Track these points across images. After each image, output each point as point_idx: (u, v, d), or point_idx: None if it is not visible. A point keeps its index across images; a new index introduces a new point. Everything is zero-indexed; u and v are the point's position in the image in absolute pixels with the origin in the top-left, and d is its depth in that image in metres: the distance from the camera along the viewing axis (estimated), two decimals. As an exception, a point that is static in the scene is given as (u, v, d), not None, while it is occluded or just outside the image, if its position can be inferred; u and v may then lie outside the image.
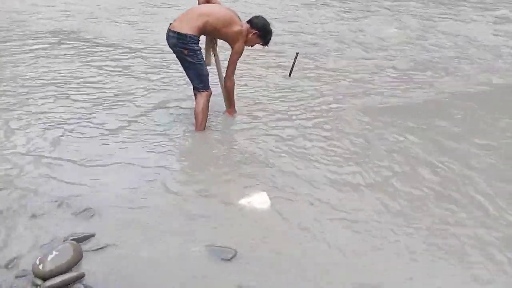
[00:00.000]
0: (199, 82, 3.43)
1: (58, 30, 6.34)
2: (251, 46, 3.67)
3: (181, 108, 3.92)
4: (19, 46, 5.53)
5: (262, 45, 3.68)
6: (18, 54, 5.21)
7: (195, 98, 3.57)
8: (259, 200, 2.59)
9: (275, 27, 4.07)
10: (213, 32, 3.43)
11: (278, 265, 2.13)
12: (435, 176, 2.94)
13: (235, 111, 3.79)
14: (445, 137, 3.49)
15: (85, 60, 5.12)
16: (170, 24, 3.39)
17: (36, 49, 5.42)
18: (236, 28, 3.41)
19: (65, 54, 5.27)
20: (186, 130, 3.52)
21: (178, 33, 3.27)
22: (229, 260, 2.14)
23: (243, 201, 2.58)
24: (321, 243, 2.29)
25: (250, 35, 3.51)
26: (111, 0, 8.08)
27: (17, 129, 3.40)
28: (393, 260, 2.19)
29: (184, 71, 3.50)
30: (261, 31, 3.54)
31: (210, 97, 3.50)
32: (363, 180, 2.88)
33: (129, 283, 1.99)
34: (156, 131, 3.49)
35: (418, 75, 5.11)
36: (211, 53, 3.71)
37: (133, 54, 5.41)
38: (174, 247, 2.22)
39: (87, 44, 5.75)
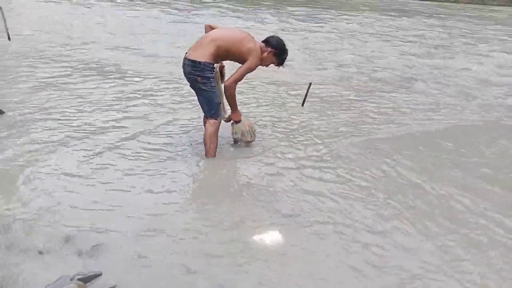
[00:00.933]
0: (210, 109, 3.43)
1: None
2: (266, 66, 3.60)
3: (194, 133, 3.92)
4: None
5: (276, 65, 3.59)
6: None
7: (204, 125, 3.58)
8: (271, 238, 2.50)
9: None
10: (227, 55, 3.38)
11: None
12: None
13: (239, 116, 3.63)
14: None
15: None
16: (186, 53, 3.42)
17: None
18: (250, 44, 3.37)
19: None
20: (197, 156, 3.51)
21: (193, 61, 3.29)
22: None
23: (255, 238, 2.50)
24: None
25: (265, 54, 3.44)
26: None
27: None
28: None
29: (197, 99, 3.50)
30: (276, 49, 3.47)
31: (219, 125, 3.50)
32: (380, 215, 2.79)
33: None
34: (165, 157, 3.49)
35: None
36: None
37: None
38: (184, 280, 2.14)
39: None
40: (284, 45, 3.53)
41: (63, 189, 2.98)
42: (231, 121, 3.69)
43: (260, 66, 3.50)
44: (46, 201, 2.83)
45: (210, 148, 3.48)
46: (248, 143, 3.76)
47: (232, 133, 3.71)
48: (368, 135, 4.24)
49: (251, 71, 3.40)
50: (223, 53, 3.36)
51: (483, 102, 5.56)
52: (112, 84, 5.44)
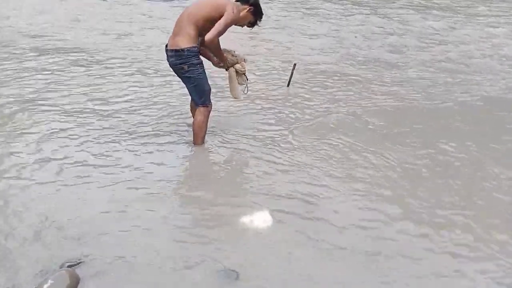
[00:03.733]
0: (199, 97, 3.34)
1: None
2: (242, 26, 3.42)
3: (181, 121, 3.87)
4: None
5: (250, 25, 3.40)
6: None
7: (192, 112, 3.53)
8: (261, 219, 2.51)
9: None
10: (208, 25, 3.13)
11: (282, 285, 2.05)
12: None
13: (227, 62, 3.46)
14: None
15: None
16: (166, 44, 3.29)
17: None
18: (225, 3, 3.17)
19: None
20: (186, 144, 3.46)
21: (175, 50, 3.17)
22: (232, 282, 2.06)
23: (245, 220, 2.51)
24: (324, 261, 2.22)
25: (243, 12, 3.26)
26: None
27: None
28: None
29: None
30: (253, 5, 3.31)
31: (209, 113, 3.42)
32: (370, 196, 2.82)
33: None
34: (154, 143, 3.44)
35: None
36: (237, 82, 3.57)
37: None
38: (174, 270, 2.14)
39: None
40: (259, 3, 3.38)
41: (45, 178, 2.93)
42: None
43: (237, 28, 3.34)
44: (33, 191, 2.79)
45: (199, 136, 3.41)
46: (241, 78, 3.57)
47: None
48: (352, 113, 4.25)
49: (229, 23, 3.14)
50: (205, 24, 3.15)
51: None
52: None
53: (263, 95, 4.70)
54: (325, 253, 2.29)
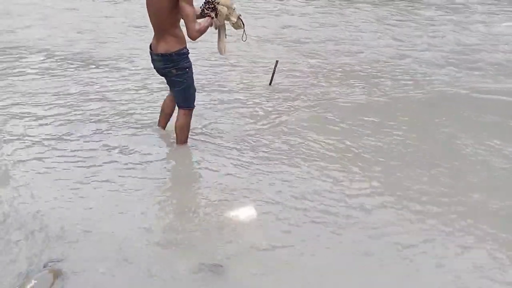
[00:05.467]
0: (184, 100, 3.26)
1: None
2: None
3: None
4: None
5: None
6: None
7: (165, 109, 3.51)
8: (245, 214, 2.54)
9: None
10: (178, 13, 2.91)
11: (266, 280, 2.08)
12: None
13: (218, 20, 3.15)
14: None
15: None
16: (150, 46, 3.15)
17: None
18: None
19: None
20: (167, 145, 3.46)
21: (163, 55, 3.03)
22: (216, 276, 2.08)
23: (230, 215, 2.53)
24: (307, 257, 2.25)
25: None
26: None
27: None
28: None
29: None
30: None
31: (192, 112, 3.36)
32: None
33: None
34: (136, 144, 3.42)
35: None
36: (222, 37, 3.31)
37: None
38: (158, 266, 2.15)
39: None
40: None
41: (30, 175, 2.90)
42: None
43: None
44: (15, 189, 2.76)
45: (182, 137, 3.36)
46: (237, 25, 3.27)
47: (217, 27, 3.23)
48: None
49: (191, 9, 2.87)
50: (173, 17, 2.95)
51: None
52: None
53: (245, 93, 4.73)
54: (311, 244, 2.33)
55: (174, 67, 3.06)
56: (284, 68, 5.45)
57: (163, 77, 3.30)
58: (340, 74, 5.43)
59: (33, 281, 1.96)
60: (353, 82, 5.11)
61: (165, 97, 3.57)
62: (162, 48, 3.03)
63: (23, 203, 2.64)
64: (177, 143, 3.40)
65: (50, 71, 5.10)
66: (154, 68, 3.22)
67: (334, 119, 4.01)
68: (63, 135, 3.53)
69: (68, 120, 3.81)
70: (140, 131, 3.62)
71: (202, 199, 2.72)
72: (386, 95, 4.74)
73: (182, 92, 3.20)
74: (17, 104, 4.13)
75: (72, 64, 5.37)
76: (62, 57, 5.59)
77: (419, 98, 4.65)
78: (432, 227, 2.49)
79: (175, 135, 3.38)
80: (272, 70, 5.11)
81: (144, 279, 2.06)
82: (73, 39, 6.33)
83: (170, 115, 3.54)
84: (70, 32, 6.65)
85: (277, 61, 5.13)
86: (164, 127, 3.59)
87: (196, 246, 2.29)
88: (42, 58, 5.53)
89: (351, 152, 3.38)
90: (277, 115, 4.09)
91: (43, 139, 3.47)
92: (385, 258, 2.27)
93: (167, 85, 3.38)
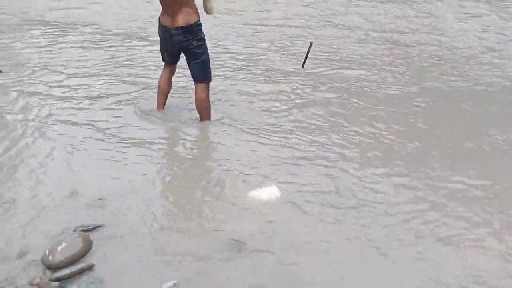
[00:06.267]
0: (203, 72, 3.28)
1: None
2: None
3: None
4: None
5: None
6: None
7: (163, 87, 3.50)
8: (268, 193, 2.56)
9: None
10: None
11: (287, 258, 2.10)
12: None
13: None
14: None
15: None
16: (161, 24, 3.19)
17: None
18: None
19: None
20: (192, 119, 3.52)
21: (183, 27, 3.09)
22: (237, 253, 2.12)
23: (252, 194, 2.56)
24: (330, 236, 2.26)
25: None
26: None
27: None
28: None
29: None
30: None
31: (209, 86, 3.37)
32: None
33: (138, 274, 1.99)
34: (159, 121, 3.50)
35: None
36: None
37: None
38: (182, 240, 2.21)
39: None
40: None
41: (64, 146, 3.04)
42: None
43: None
44: (49, 157, 2.90)
45: (206, 112, 3.38)
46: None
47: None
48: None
49: None
50: None
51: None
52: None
53: (277, 73, 4.70)
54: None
55: (194, 39, 3.13)
56: (318, 51, 5.37)
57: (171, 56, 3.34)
58: (379, 60, 5.28)
59: (63, 244, 2.06)
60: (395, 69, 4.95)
61: (160, 77, 3.52)
62: (182, 21, 3.09)
63: (59, 171, 2.77)
64: (201, 119, 3.43)
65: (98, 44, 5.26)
66: (169, 44, 3.23)
67: (365, 105, 3.92)
68: (101, 108, 3.66)
69: (108, 93, 3.93)
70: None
71: (227, 176, 2.75)
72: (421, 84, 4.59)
73: (202, 64, 3.25)
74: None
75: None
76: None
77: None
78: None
79: (198, 113, 3.41)
80: (305, 52, 5.05)
81: (170, 254, 2.11)
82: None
83: (168, 92, 3.55)
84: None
85: (311, 43, 5.05)
86: (163, 107, 3.57)
87: (220, 223, 2.33)
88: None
89: (381, 140, 3.32)
90: (305, 98, 4.04)
91: (82, 109, 3.62)
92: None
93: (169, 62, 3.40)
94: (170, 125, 3.44)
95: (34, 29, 5.88)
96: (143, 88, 4.02)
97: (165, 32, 3.21)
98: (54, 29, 5.90)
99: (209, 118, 3.43)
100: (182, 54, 3.34)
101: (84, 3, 7.01)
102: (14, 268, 2.01)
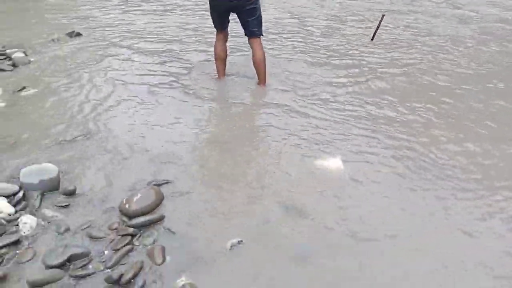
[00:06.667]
0: (259, 27, 3.43)
1: None
2: None
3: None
4: None
5: None
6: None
7: (220, 60, 3.60)
8: (333, 165, 2.56)
9: None
10: None
11: (347, 226, 2.12)
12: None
13: None
14: None
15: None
16: None
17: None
18: None
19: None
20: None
21: None
22: (298, 217, 2.17)
23: (316, 163, 2.57)
24: (392, 206, 2.24)
25: None
26: None
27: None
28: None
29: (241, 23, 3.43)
30: None
31: None
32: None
33: (204, 230, 2.10)
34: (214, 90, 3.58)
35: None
36: None
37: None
38: (245, 200, 2.29)
39: None
40: None
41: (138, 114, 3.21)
42: None
43: None
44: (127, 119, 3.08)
45: (265, 70, 3.50)
46: None
47: None
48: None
49: None
50: None
51: None
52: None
53: (345, 45, 4.59)
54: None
55: None
56: (389, 24, 5.17)
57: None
58: (450, 43, 4.99)
59: (139, 195, 2.21)
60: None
61: (215, 44, 3.58)
62: None
63: (133, 129, 2.94)
64: (261, 80, 3.53)
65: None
66: (224, 6, 3.28)
67: (429, 84, 3.75)
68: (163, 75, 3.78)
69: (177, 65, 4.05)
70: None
71: (291, 146, 2.79)
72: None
73: (258, 19, 3.38)
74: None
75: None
76: None
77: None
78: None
79: (256, 72, 3.50)
80: (376, 24, 4.88)
81: (234, 214, 2.20)
82: None
83: (226, 59, 3.66)
84: None
85: (383, 15, 4.89)
86: (224, 74, 3.68)
87: (282, 190, 2.38)
88: None
89: (451, 117, 3.18)
90: (372, 74, 3.94)
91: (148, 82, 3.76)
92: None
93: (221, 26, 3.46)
94: (232, 93, 3.51)
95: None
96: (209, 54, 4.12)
97: (220, 3, 3.28)
98: None
99: (266, 79, 3.54)
100: None
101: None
102: (95, 212, 2.19)
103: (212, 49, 3.67)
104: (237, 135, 2.90)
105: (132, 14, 5.40)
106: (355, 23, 5.38)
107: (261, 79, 3.53)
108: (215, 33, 3.57)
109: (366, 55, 4.38)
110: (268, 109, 3.25)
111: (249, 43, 3.48)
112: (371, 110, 3.26)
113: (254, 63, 3.50)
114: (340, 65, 4.08)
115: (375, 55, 4.37)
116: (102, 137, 2.81)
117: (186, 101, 3.34)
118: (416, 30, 5.21)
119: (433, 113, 3.23)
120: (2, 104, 3.21)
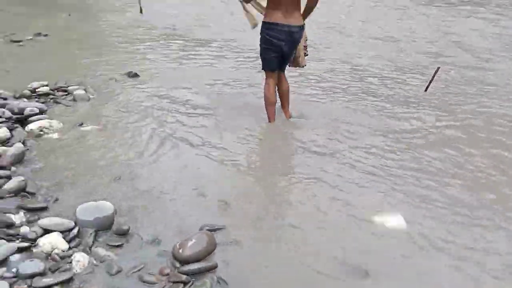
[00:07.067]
0: (289, 61, 3.64)
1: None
2: None
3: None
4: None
5: None
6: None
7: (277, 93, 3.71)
8: (394, 222, 2.41)
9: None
10: None
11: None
12: None
13: None
14: None
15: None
16: (278, 24, 3.33)
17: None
18: None
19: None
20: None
21: (300, 26, 3.40)
22: (358, 278, 2.03)
23: (376, 219, 2.44)
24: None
25: None
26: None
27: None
28: None
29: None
30: None
31: None
32: None
33: (258, 281, 2.00)
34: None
35: None
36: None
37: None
38: (300, 256, 2.17)
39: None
40: None
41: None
42: None
43: None
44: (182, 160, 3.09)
45: (289, 98, 3.76)
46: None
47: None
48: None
49: None
50: None
51: None
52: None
53: (397, 96, 4.51)
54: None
55: (301, 35, 3.47)
56: (445, 76, 5.07)
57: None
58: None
59: (193, 240, 2.14)
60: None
61: (269, 88, 3.59)
62: (299, 21, 3.39)
63: (187, 172, 2.94)
64: (286, 111, 3.76)
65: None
66: (288, 44, 3.41)
67: (486, 138, 3.58)
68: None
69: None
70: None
71: (345, 201, 2.68)
72: None
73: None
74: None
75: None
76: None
77: None
78: None
79: (283, 105, 3.74)
80: (431, 76, 4.80)
81: (293, 268, 2.09)
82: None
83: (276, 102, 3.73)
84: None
85: (438, 68, 4.81)
86: (274, 118, 3.71)
87: (339, 247, 2.25)
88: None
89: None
90: (426, 126, 3.81)
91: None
92: None
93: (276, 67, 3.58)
94: (281, 141, 3.49)
95: (172, 43, 6.39)
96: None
97: (282, 32, 3.36)
98: (189, 44, 6.35)
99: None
100: None
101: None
102: (148, 254, 2.14)
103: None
104: (293, 184, 2.83)
105: (189, 61, 5.57)
106: (409, 73, 5.31)
107: (288, 109, 3.77)
108: (264, 76, 3.63)
109: (421, 107, 4.28)
110: (323, 157, 3.18)
111: (278, 75, 3.65)
112: (428, 163, 3.12)
113: (283, 95, 3.74)
114: (392, 116, 3.99)
115: (429, 107, 4.26)
116: (160, 179, 2.80)
117: (239, 146, 3.32)
118: (475, 83, 5.06)
119: (495, 169, 3.04)
120: (62, 138, 3.31)
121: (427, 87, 4.78)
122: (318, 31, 6.82)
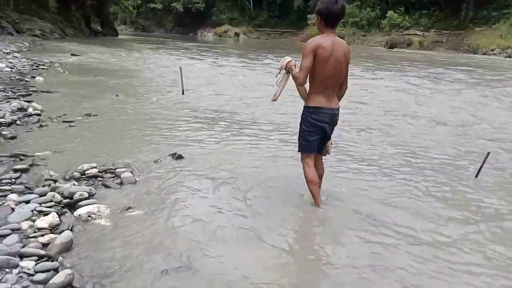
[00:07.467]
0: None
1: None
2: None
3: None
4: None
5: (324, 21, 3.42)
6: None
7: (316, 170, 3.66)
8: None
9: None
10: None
11: None
12: None
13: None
14: None
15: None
16: (324, 108, 3.43)
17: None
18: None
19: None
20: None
21: (338, 109, 3.55)
22: None
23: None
24: None
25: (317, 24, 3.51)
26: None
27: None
28: None
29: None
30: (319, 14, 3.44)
31: None
32: None
33: None
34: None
35: None
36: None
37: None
38: None
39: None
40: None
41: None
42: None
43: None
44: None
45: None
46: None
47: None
48: None
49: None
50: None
51: None
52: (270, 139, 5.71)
53: (446, 181, 4.34)
54: None
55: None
56: (496, 163, 4.91)
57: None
58: None
59: None
60: None
61: (309, 168, 3.58)
62: (337, 104, 3.54)
63: (243, 271, 2.83)
64: (319, 198, 3.62)
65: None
66: (329, 127, 3.51)
67: None
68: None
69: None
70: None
71: None
72: None
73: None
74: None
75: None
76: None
77: None
78: None
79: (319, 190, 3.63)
80: (481, 162, 4.66)
81: None
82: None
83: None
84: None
85: (488, 153, 4.68)
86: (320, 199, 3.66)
87: None
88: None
89: None
90: (480, 213, 3.62)
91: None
92: None
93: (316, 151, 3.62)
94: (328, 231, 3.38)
95: (215, 124, 6.57)
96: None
97: (325, 115, 3.45)
98: (233, 125, 6.53)
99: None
100: None
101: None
102: None
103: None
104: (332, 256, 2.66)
105: (233, 141, 5.68)
106: (460, 159, 5.20)
107: (319, 197, 3.64)
108: (303, 159, 3.63)
109: (470, 194, 4.10)
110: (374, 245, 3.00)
111: (315, 159, 3.65)
112: (492, 257, 2.90)
113: (320, 175, 3.71)
114: (442, 201, 3.82)
115: (479, 194, 4.08)
116: (205, 271, 2.70)
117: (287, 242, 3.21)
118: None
119: None
120: (108, 224, 3.30)
121: (477, 173, 4.64)
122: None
